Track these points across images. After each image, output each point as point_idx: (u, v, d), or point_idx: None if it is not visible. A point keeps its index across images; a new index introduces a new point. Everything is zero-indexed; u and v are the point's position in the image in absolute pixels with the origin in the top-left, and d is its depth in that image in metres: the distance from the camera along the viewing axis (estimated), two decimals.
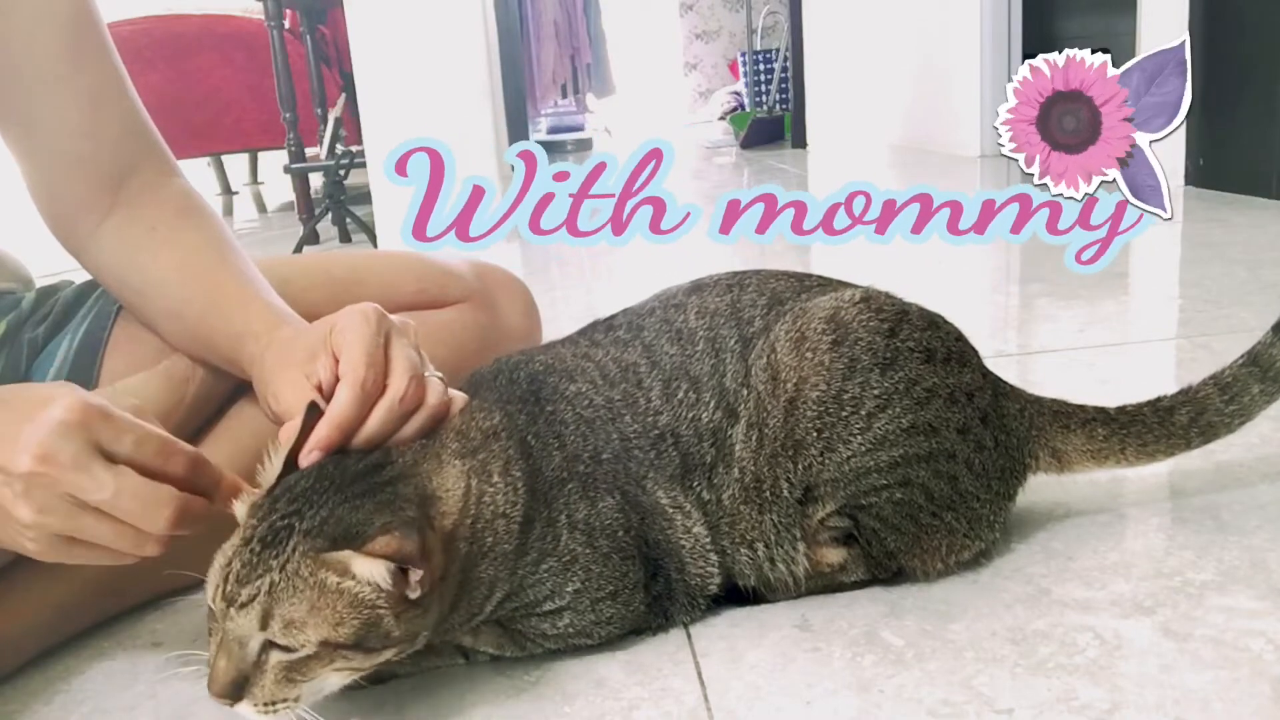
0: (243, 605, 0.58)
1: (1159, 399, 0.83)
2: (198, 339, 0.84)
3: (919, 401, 0.73)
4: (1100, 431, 0.81)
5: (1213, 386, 0.81)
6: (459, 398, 0.71)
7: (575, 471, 0.70)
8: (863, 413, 0.72)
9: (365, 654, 0.60)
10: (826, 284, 0.81)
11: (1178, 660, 0.66)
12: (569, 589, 0.69)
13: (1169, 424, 0.81)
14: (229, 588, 0.58)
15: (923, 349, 0.74)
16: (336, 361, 0.68)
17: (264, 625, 0.57)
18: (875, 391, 0.72)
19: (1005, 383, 0.82)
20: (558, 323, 1.54)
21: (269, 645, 0.58)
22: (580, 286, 2.09)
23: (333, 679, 0.60)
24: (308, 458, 0.64)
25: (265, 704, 0.58)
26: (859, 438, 0.72)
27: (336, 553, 0.58)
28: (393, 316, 0.71)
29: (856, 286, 0.80)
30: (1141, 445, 0.81)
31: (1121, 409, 0.83)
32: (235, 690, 0.58)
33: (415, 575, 0.59)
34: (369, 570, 0.58)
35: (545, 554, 0.68)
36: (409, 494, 0.62)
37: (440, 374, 0.71)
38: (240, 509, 0.63)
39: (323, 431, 0.64)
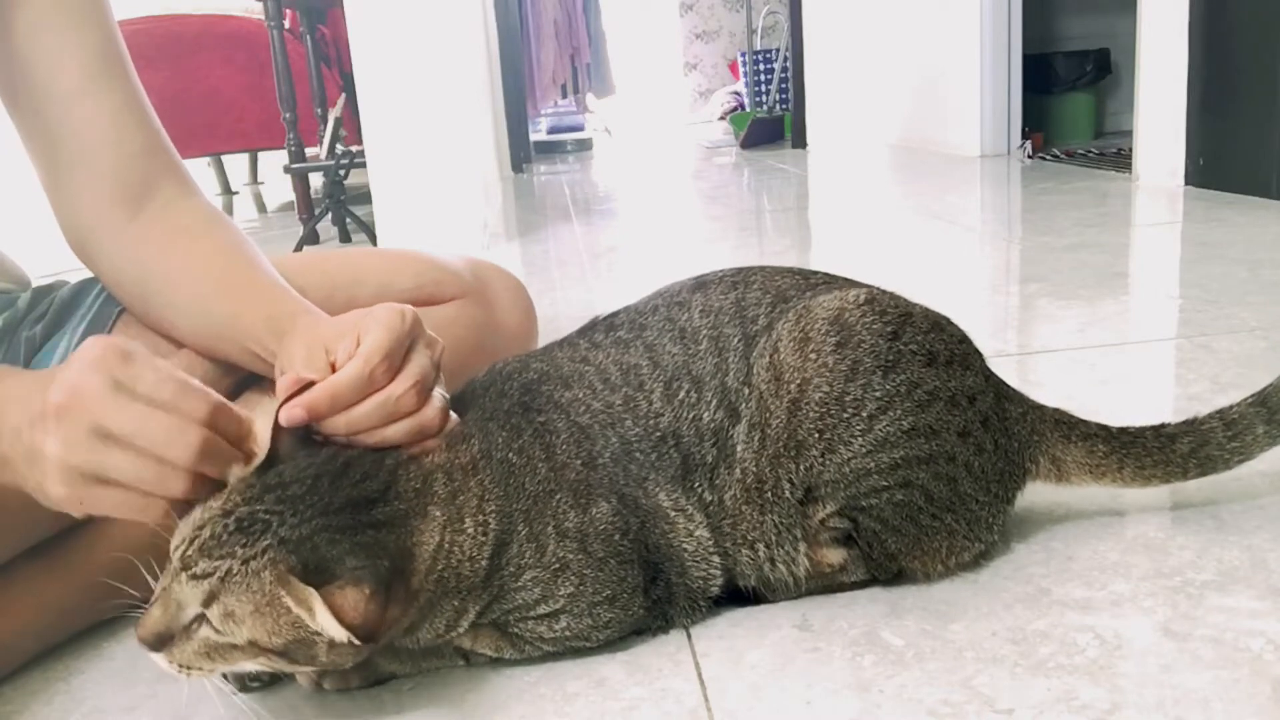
0: (195, 576, 0.59)
1: (1163, 425, 0.82)
2: (228, 323, 0.85)
3: (920, 404, 0.73)
4: (1100, 448, 0.81)
5: (1218, 420, 0.81)
6: (452, 420, 0.71)
7: (565, 480, 0.70)
8: (864, 414, 0.72)
9: (289, 661, 0.62)
10: (832, 281, 0.81)
11: (1178, 660, 0.66)
12: (563, 592, 0.69)
13: (1169, 451, 0.81)
14: (190, 552, 0.60)
15: (925, 352, 0.74)
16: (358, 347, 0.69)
17: (206, 604, 0.59)
18: (877, 394, 0.72)
19: (1008, 386, 0.81)
20: (557, 322, 1.54)
21: (203, 619, 0.60)
22: (580, 286, 2.09)
23: (250, 666, 0.62)
24: (290, 413, 0.64)
25: (181, 665, 0.61)
26: (860, 439, 0.72)
27: (304, 586, 0.58)
28: (429, 331, 0.72)
29: (861, 285, 0.80)
30: (1139, 468, 0.81)
31: (1124, 429, 0.82)
32: (159, 642, 0.61)
33: None
34: (326, 622, 0.58)
35: (526, 566, 0.68)
36: (390, 545, 0.62)
37: (445, 393, 0.71)
38: (235, 474, 0.64)
39: (315, 394, 0.65)
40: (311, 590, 0.57)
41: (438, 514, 0.65)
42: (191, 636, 0.61)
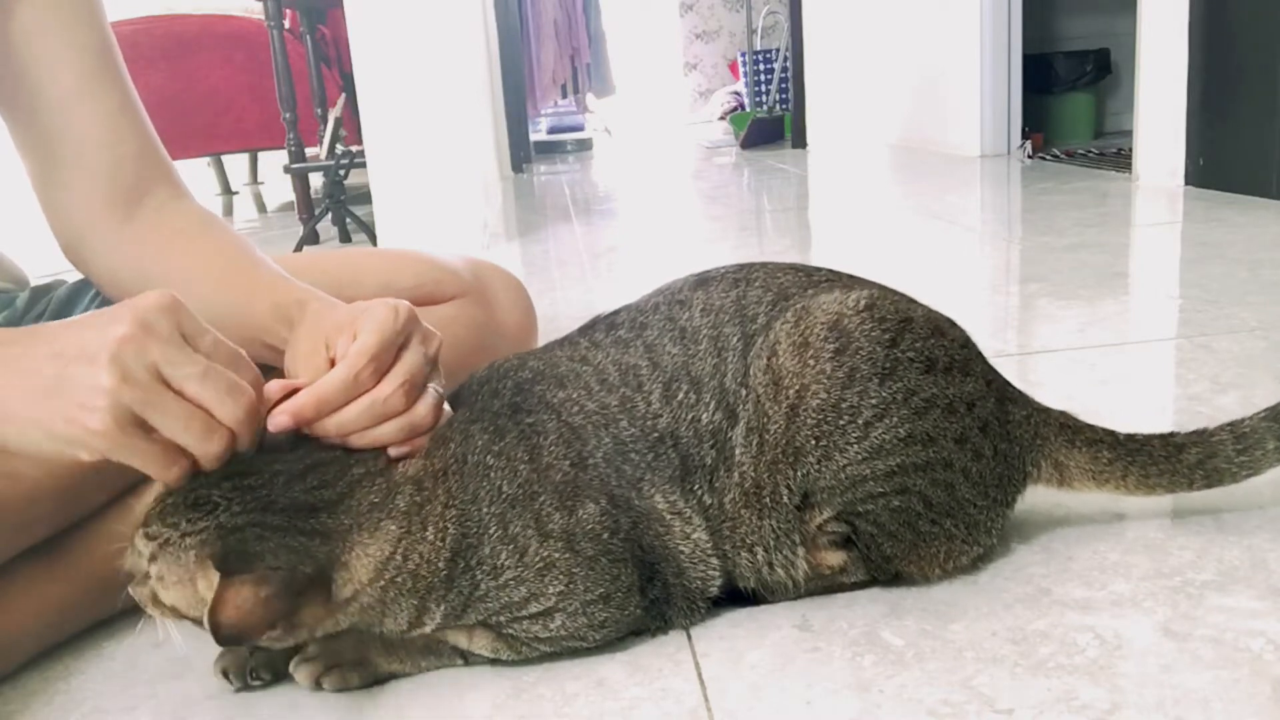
0: (147, 535, 0.63)
1: (1172, 434, 0.81)
2: (235, 318, 0.83)
3: (917, 411, 0.72)
4: (1105, 454, 0.80)
5: (1228, 433, 0.80)
6: (445, 415, 0.71)
7: (550, 482, 0.70)
8: (860, 421, 0.72)
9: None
10: (835, 279, 0.80)
11: (1178, 660, 0.66)
12: (553, 591, 0.68)
13: (1176, 460, 0.80)
14: (150, 511, 0.63)
15: (923, 359, 0.74)
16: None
17: (150, 562, 0.63)
18: (873, 401, 0.72)
19: (1013, 388, 0.81)
20: (557, 322, 1.54)
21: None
22: (580, 286, 2.09)
23: (188, 621, 0.65)
24: (275, 420, 0.66)
25: (140, 601, 0.65)
26: (856, 446, 0.72)
27: (215, 572, 0.60)
28: (425, 324, 0.72)
29: (864, 285, 0.79)
30: (1144, 476, 0.80)
31: (1131, 436, 0.81)
32: (128, 577, 0.66)
33: None
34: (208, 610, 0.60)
35: (504, 568, 0.68)
36: (319, 554, 0.63)
37: (441, 388, 0.71)
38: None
39: (301, 400, 0.66)
40: (219, 578, 0.60)
41: (392, 528, 0.66)
42: (146, 582, 0.64)
